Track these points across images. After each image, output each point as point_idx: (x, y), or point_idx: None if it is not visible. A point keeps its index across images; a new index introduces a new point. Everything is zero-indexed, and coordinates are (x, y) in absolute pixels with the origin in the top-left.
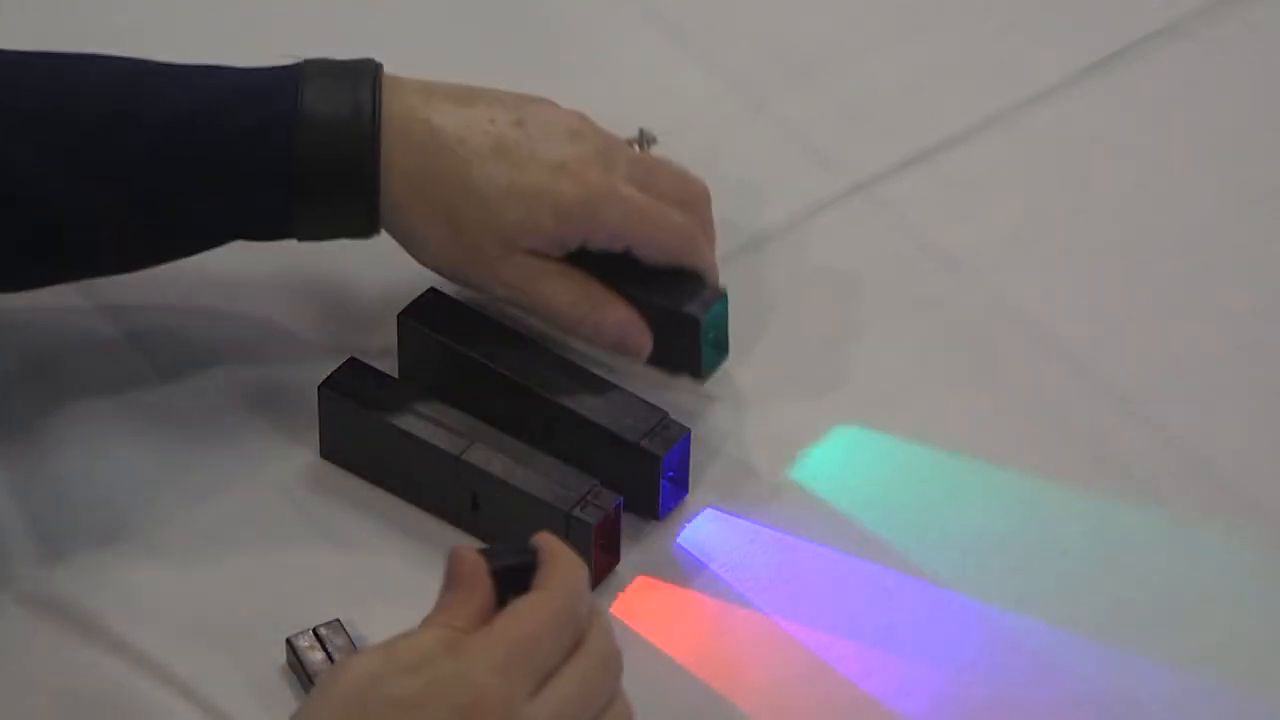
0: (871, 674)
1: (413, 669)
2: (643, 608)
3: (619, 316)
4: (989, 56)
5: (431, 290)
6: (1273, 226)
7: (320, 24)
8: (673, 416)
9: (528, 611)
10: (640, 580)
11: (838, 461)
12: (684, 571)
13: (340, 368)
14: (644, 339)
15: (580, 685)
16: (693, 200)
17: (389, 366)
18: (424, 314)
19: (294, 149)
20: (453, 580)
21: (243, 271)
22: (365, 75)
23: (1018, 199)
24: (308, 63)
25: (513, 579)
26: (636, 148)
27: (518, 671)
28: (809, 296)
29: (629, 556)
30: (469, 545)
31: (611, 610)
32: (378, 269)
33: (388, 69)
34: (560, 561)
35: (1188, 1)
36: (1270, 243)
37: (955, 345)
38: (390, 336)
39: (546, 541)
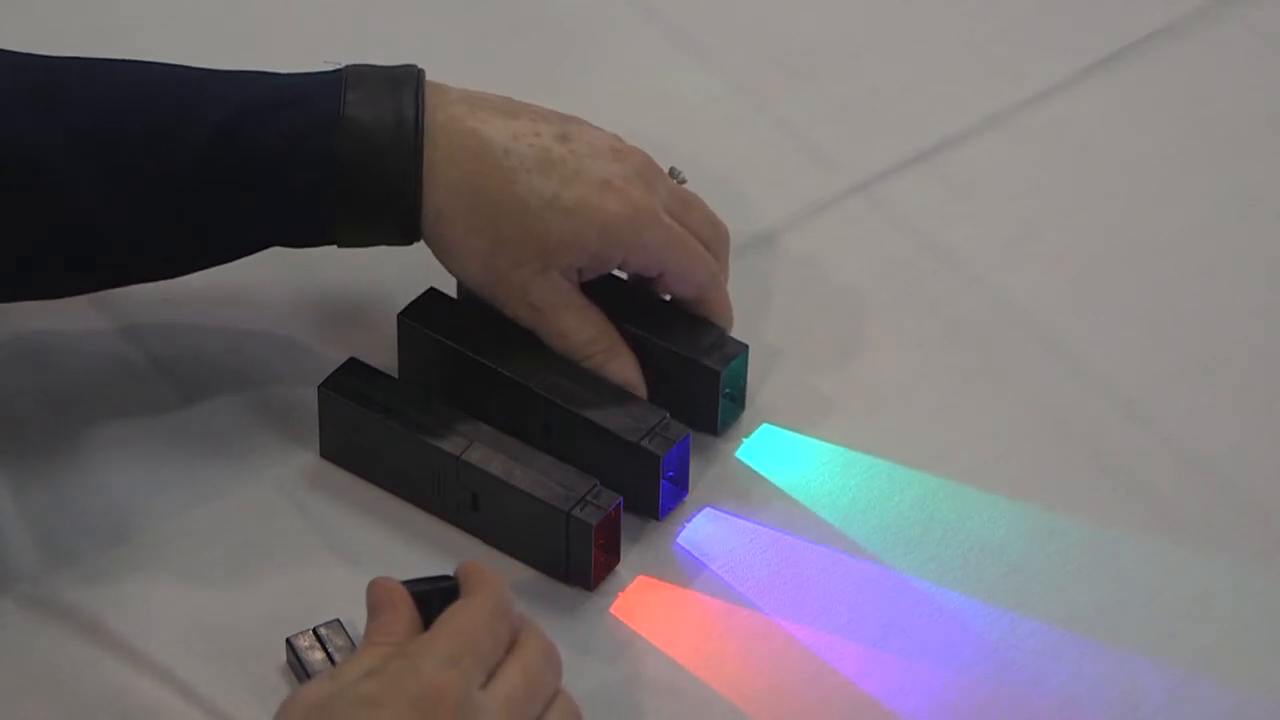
0: (871, 674)
1: (367, 675)
2: (643, 608)
3: (623, 370)
4: (989, 56)
5: (431, 290)
6: (1272, 226)
7: (323, 25)
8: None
9: (464, 611)
10: (640, 580)
11: (837, 461)
12: (684, 571)
13: (340, 368)
14: (636, 390)
15: (525, 675)
16: (719, 241)
17: (389, 366)
18: (424, 314)
19: (336, 156)
20: (376, 606)
21: (243, 272)
22: (408, 82)
23: (1018, 199)
24: (349, 69)
25: (433, 601)
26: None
27: (466, 663)
28: (809, 296)
29: (629, 556)
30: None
31: (611, 610)
32: (378, 269)
33: None
34: (483, 572)
35: (1188, 1)
36: (1270, 243)
37: (955, 345)
38: (390, 336)
39: (465, 564)
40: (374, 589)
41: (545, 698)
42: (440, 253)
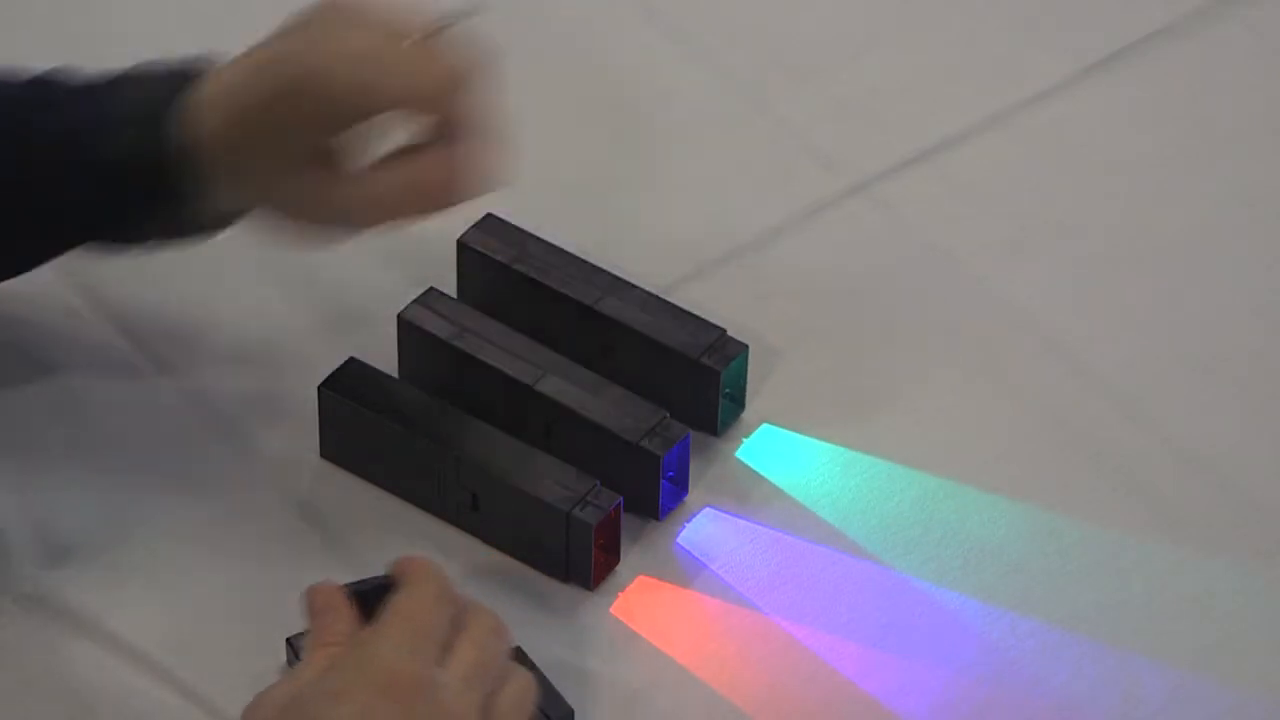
0: (871, 674)
1: (328, 670)
2: (643, 608)
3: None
4: (989, 56)
5: (431, 290)
6: (1272, 226)
7: None
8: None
9: (409, 598)
10: (640, 580)
11: (837, 461)
12: (684, 571)
13: (340, 368)
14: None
15: (478, 649)
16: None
17: (389, 366)
18: (424, 314)
19: (100, 149)
20: (317, 611)
21: (243, 272)
22: (189, 70)
23: (1018, 199)
24: (135, 65)
25: (370, 599)
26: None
27: (422, 645)
28: (809, 296)
29: (629, 556)
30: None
31: (611, 610)
32: (378, 269)
33: None
34: (418, 562)
35: (1188, 1)
36: (1270, 242)
37: (955, 345)
38: (390, 336)
39: (400, 560)
40: (312, 594)
41: (499, 670)
42: (223, 174)
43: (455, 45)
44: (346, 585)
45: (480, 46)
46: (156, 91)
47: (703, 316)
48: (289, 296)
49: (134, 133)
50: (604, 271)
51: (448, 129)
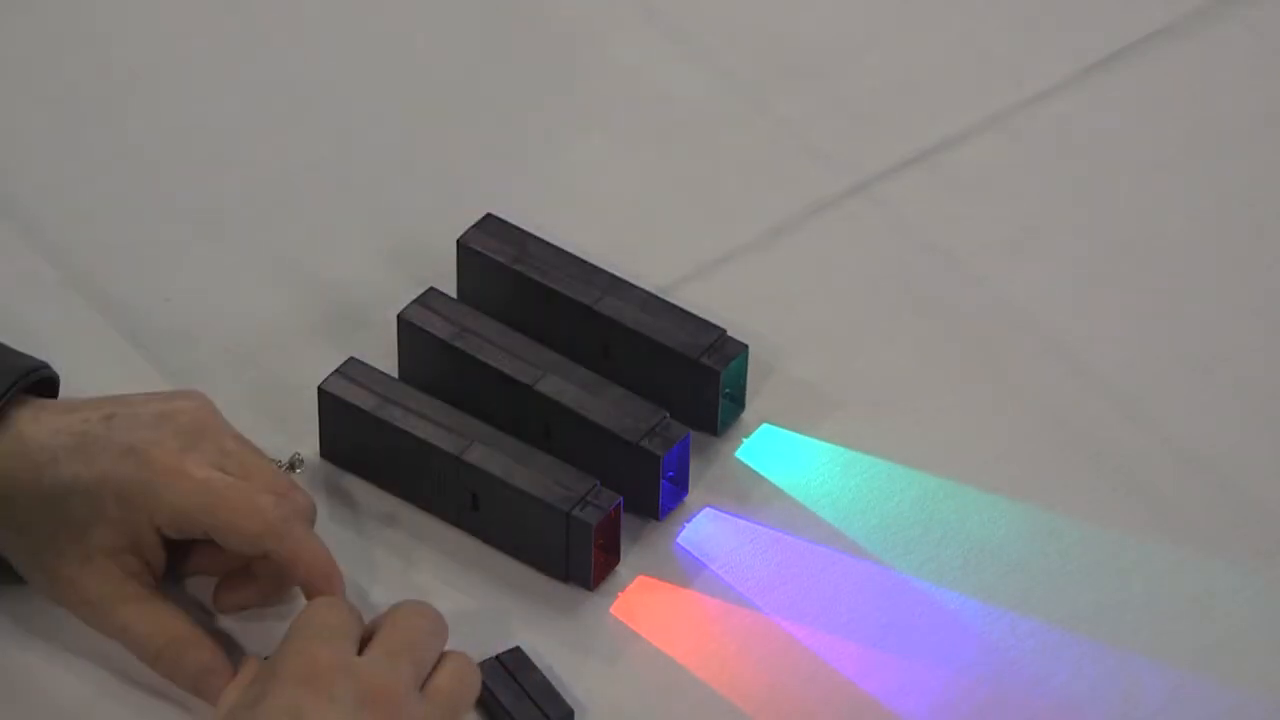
0: (871, 674)
1: (246, 688)
2: (643, 608)
3: (201, 658)
4: (989, 56)
5: (431, 290)
6: (1272, 226)
7: (324, 26)
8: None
9: (310, 605)
10: (640, 580)
11: (837, 461)
12: (684, 571)
13: (340, 368)
14: (222, 683)
15: (401, 629)
16: (288, 491)
17: (389, 366)
18: (424, 314)
19: None
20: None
21: (243, 272)
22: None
23: (1018, 199)
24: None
25: None
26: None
27: (332, 638)
28: (809, 296)
29: (629, 556)
30: None
31: (611, 610)
32: (378, 269)
33: (388, 70)
34: (320, 578)
35: (1188, 1)
36: (1270, 242)
37: (955, 345)
38: (390, 336)
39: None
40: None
41: (428, 647)
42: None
43: (291, 493)
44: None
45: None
46: None
47: (703, 316)
48: (289, 296)
49: None
50: (604, 271)
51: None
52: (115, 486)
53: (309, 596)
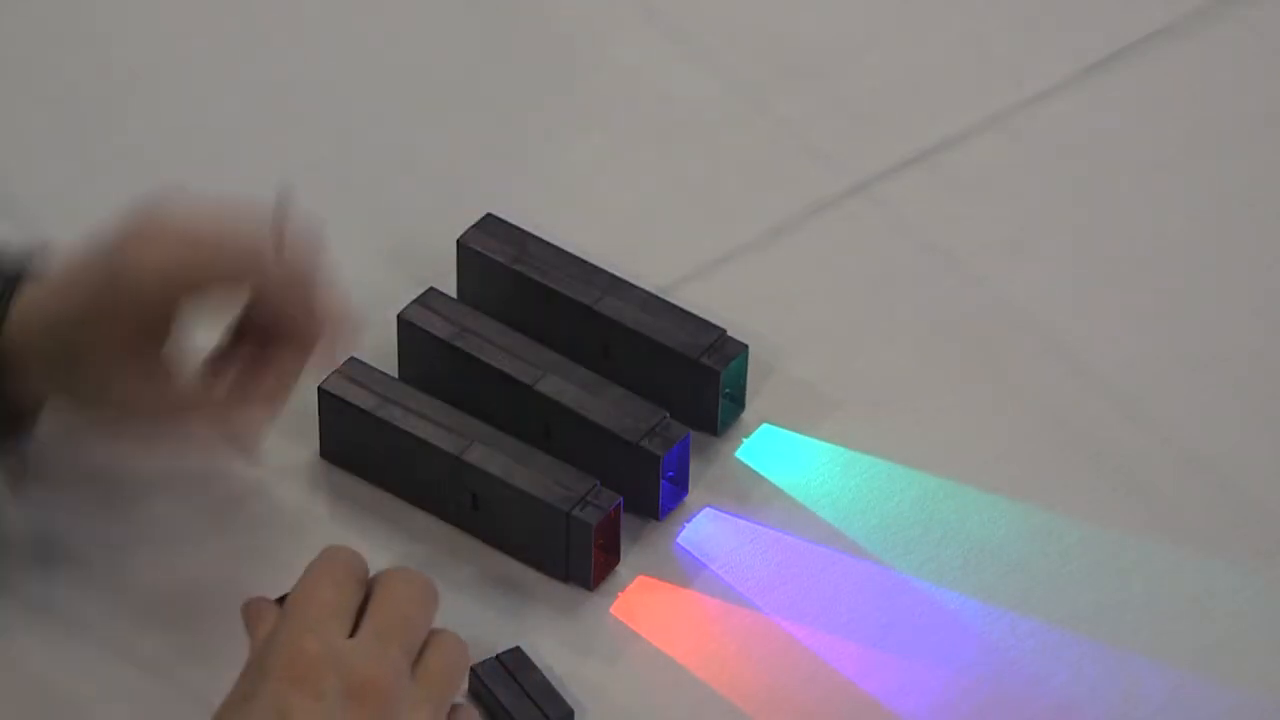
0: (871, 674)
1: (239, 680)
2: (643, 608)
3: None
4: (989, 56)
5: (431, 290)
6: (1272, 226)
7: (324, 26)
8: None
9: (301, 584)
10: (640, 580)
11: (837, 461)
12: (684, 571)
13: (341, 367)
14: (258, 429)
15: (390, 608)
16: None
17: (389, 366)
18: (424, 314)
19: None
20: (247, 625)
21: None
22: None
23: (1018, 199)
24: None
25: None
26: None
27: (319, 623)
28: (809, 296)
29: (629, 556)
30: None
31: (611, 610)
32: (378, 269)
33: (388, 71)
34: (326, 548)
35: (1188, 1)
36: (1269, 242)
37: (955, 345)
38: (390, 336)
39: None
40: (244, 610)
41: (419, 621)
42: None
43: (277, 238)
44: (281, 599)
45: (302, 237)
46: None
47: (703, 316)
48: None
49: None
50: (604, 271)
51: (272, 321)
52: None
53: (300, 341)
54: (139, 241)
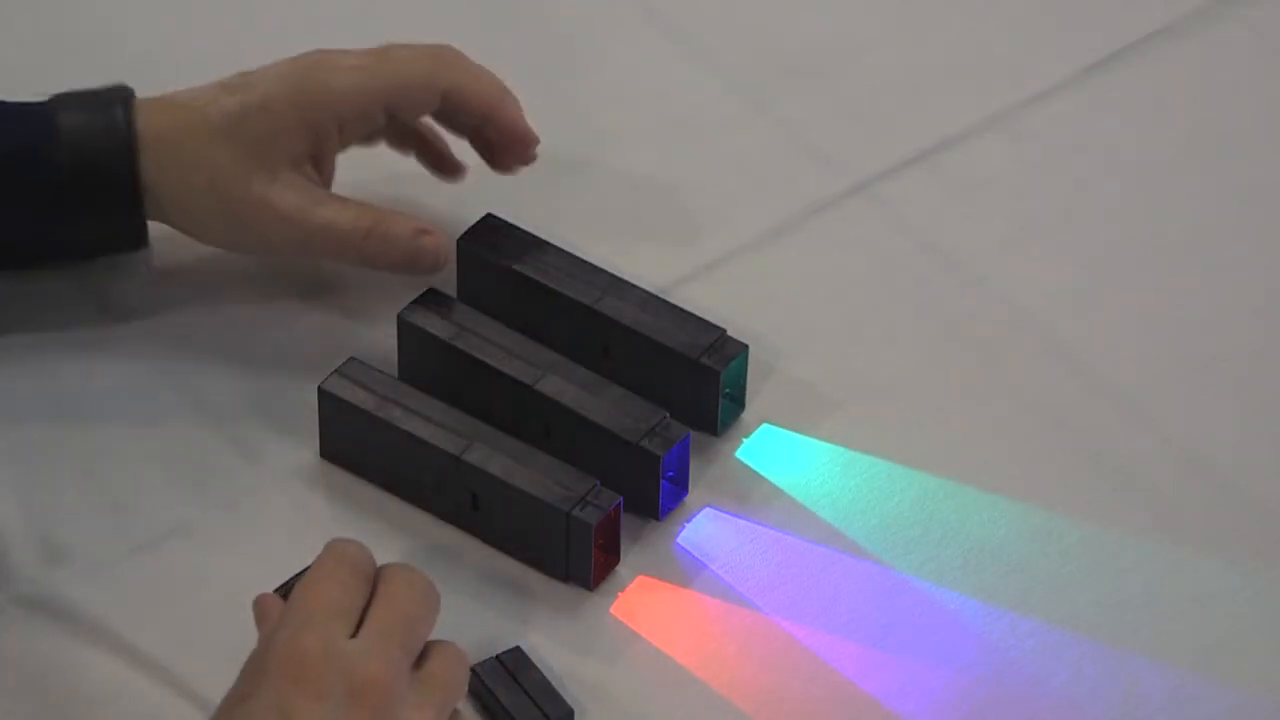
0: (871, 674)
1: (239, 679)
2: (643, 608)
3: (410, 224)
4: (989, 56)
5: (431, 290)
6: (1272, 226)
7: (323, 25)
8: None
9: (304, 580)
10: (640, 580)
11: (837, 461)
12: (684, 571)
13: (341, 367)
14: (440, 242)
15: (392, 607)
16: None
17: (389, 366)
18: (424, 314)
19: (55, 169)
20: (257, 620)
21: (243, 271)
22: (117, 97)
23: (1018, 199)
24: (58, 96)
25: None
26: None
27: (318, 621)
28: (809, 296)
29: (629, 556)
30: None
31: (611, 610)
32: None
33: None
34: (330, 543)
35: (1188, 1)
36: (1269, 242)
37: (955, 345)
38: (390, 336)
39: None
40: (255, 605)
41: (421, 620)
42: (183, 226)
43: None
44: (283, 585)
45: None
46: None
47: (703, 316)
48: (289, 296)
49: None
50: (604, 271)
51: (434, 146)
52: (287, 88)
53: (492, 122)
54: (325, 62)
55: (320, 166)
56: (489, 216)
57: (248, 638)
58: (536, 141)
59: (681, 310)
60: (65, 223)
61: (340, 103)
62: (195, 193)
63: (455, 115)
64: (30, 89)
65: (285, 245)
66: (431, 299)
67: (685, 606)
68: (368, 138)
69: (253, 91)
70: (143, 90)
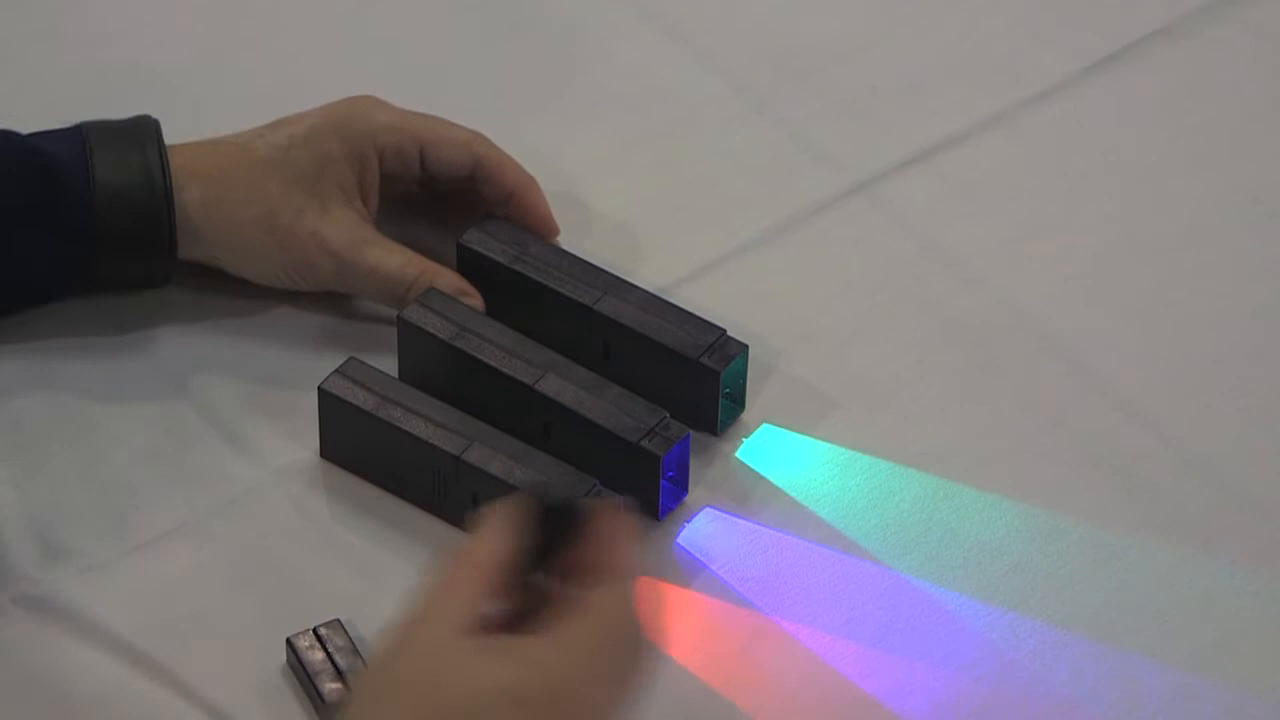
0: (871, 674)
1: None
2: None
3: (452, 281)
4: (989, 56)
5: (432, 290)
6: (1272, 226)
7: (323, 26)
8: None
9: (605, 609)
10: (640, 581)
11: (837, 461)
12: (684, 571)
13: (341, 367)
14: (479, 306)
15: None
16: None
17: (389, 366)
18: (424, 314)
19: (90, 218)
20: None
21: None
22: (148, 134)
23: (1018, 199)
24: (87, 127)
25: (561, 520)
26: None
27: (603, 673)
28: (809, 296)
29: None
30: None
31: None
32: None
33: (388, 71)
34: (621, 546)
35: (1188, 1)
36: (1269, 242)
37: (955, 345)
38: (390, 336)
39: (603, 511)
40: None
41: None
42: (226, 250)
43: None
44: (533, 500)
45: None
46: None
47: (703, 316)
48: (289, 297)
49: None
50: (604, 271)
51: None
52: (332, 121)
53: (518, 199)
54: (369, 100)
55: (366, 200)
56: (489, 216)
57: (247, 637)
58: (557, 232)
59: (681, 310)
60: (97, 269)
61: (383, 131)
62: (246, 226)
63: (482, 185)
64: (30, 89)
65: (329, 280)
66: (432, 299)
67: (685, 606)
68: (400, 185)
69: (297, 125)
70: (142, 92)
